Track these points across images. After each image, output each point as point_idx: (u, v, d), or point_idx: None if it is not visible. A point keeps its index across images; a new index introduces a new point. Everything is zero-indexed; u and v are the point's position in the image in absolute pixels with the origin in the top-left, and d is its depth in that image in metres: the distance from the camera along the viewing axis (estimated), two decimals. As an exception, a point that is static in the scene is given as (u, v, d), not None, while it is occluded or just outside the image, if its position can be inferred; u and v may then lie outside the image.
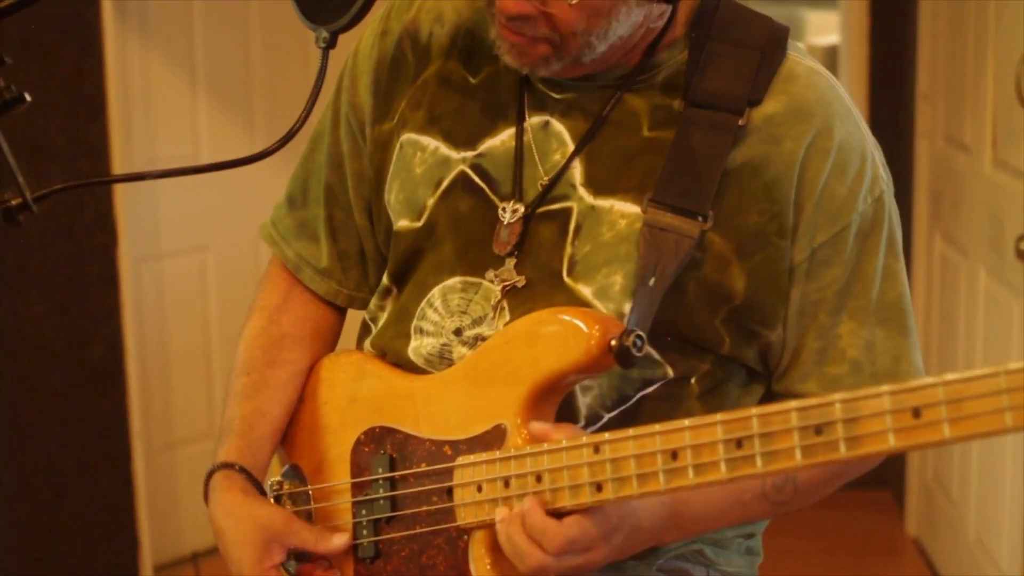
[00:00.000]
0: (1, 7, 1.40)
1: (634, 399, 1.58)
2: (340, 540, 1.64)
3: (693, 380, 1.59)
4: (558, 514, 1.44)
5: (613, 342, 1.46)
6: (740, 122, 1.54)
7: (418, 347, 1.65)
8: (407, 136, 1.69)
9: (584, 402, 1.57)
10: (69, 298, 3.92)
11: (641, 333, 1.47)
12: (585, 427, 1.57)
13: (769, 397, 1.65)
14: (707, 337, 1.57)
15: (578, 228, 1.58)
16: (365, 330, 1.76)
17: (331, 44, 1.54)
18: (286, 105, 4.57)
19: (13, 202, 1.45)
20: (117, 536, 4.12)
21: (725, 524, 1.63)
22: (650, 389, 1.58)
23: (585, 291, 1.56)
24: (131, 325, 4.08)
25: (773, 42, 1.58)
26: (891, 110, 4.84)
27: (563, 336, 1.49)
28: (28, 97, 1.42)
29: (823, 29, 7.11)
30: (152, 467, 4.34)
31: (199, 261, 4.61)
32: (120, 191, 4.03)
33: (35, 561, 3.86)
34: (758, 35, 1.58)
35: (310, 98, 1.53)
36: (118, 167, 3.95)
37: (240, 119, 4.63)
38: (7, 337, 3.74)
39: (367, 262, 1.79)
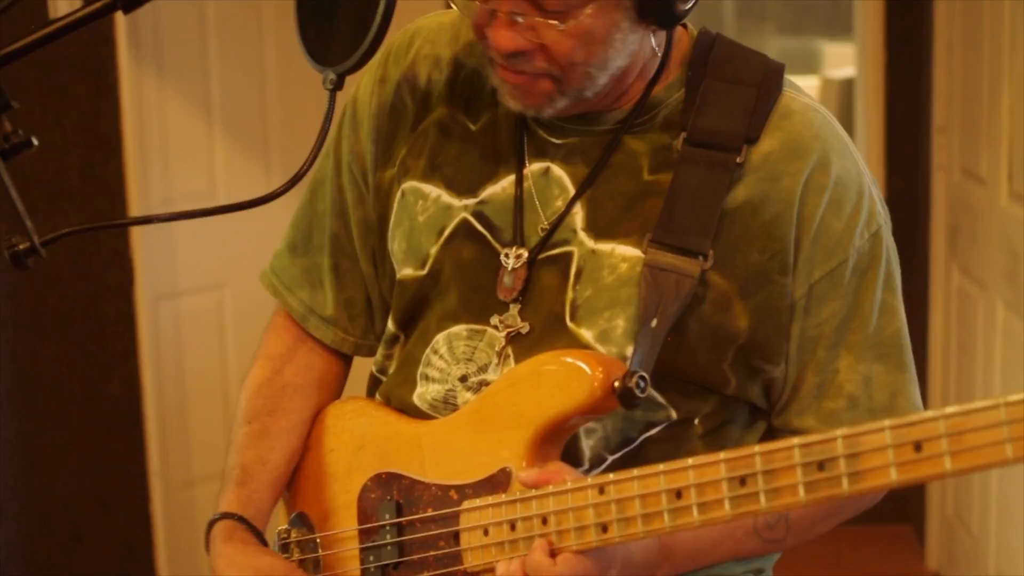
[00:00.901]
0: (8, 51, 1.41)
1: (638, 441, 1.57)
2: None
3: (696, 421, 1.59)
4: None
5: (616, 384, 1.47)
6: (738, 159, 1.54)
7: (423, 393, 1.65)
8: (409, 184, 1.69)
9: (588, 444, 1.57)
10: (86, 337, 3.93)
11: (644, 374, 1.47)
12: (589, 470, 1.57)
13: (770, 434, 1.65)
14: (712, 379, 1.57)
15: (579, 273, 1.58)
16: (375, 383, 1.76)
17: (338, 86, 1.55)
18: (302, 142, 4.53)
19: (21, 247, 1.46)
20: (136, 575, 4.12)
21: (716, 559, 1.62)
22: (653, 431, 1.58)
23: (587, 335, 1.56)
24: (148, 363, 4.08)
25: (768, 79, 1.59)
26: (908, 143, 4.84)
27: (567, 379, 1.49)
28: (36, 141, 1.43)
29: (840, 61, 7.12)
30: (170, 505, 4.33)
31: (216, 298, 4.62)
32: (136, 229, 4.03)
33: (53, 600, 3.86)
34: (753, 72, 1.59)
35: (318, 139, 1.54)
36: (134, 206, 3.96)
37: (256, 156, 4.65)
38: (24, 376, 3.75)
39: (373, 309, 1.79)
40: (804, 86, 1.66)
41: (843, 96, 6.38)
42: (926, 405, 4.68)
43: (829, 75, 6.86)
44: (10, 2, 1.40)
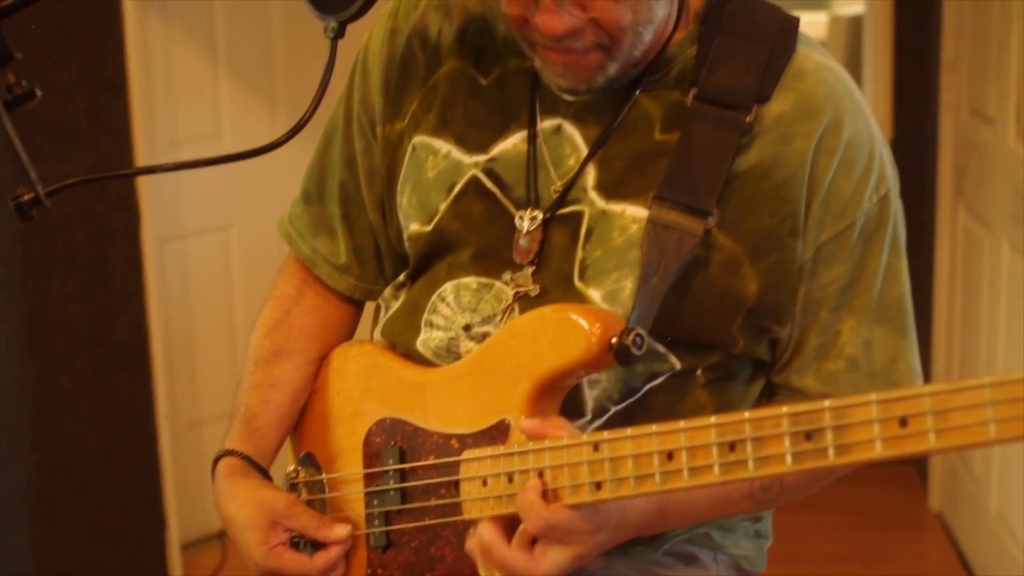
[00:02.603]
0: (9, 3, 1.41)
1: (641, 391, 1.58)
2: (341, 531, 1.66)
3: (699, 371, 1.59)
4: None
5: (614, 340, 1.47)
6: (748, 119, 1.53)
7: (427, 340, 1.66)
8: (419, 139, 1.69)
9: (591, 395, 1.57)
10: (93, 279, 3.93)
11: (641, 332, 1.47)
12: (592, 420, 1.57)
13: (769, 388, 1.66)
14: (720, 340, 1.58)
15: (589, 232, 1.58)
16: (378, 315, 1.78)
17: (340, 34, 1.54)
18: (308, 82, 4.55)
19: (25, 197, 1.46)
20: (144, 515, 4.15)
21: (709, 518, 1.64)
22: (657, 382, 1.58)
23: (595, 295, 1.56)
24: (155, 305, 4.09)
25: (783, 35, 1.57)
26: (916, 82, 4.81)
27: (565, 333, 1.49)
28: (39, 92, 1.43)
29: (848, -2, 7.07)
30: (178, 446, 4.36)
31: (222, 240, 4.63)
32: (143, 171, 4.04)
33: (63, 541, 3.89)
34: (767, 28, 1.57)
35: (319, 89, 1.53)
36: (140, 147, 3.96)
37: (262, 97, 4.64)
38: (32, 319, 3.76)
39: (382, 256, 1.80)
40: (812, 22, 1.64)
41: (851, 34, 6.34)
42: (931, 345, 4.71)
43: (837, 12, 6.81)
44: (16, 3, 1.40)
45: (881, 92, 4.87)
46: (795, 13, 1.61)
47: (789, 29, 1.57)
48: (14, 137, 1.43)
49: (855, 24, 6.14)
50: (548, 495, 1.45)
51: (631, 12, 1.47)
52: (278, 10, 4.62)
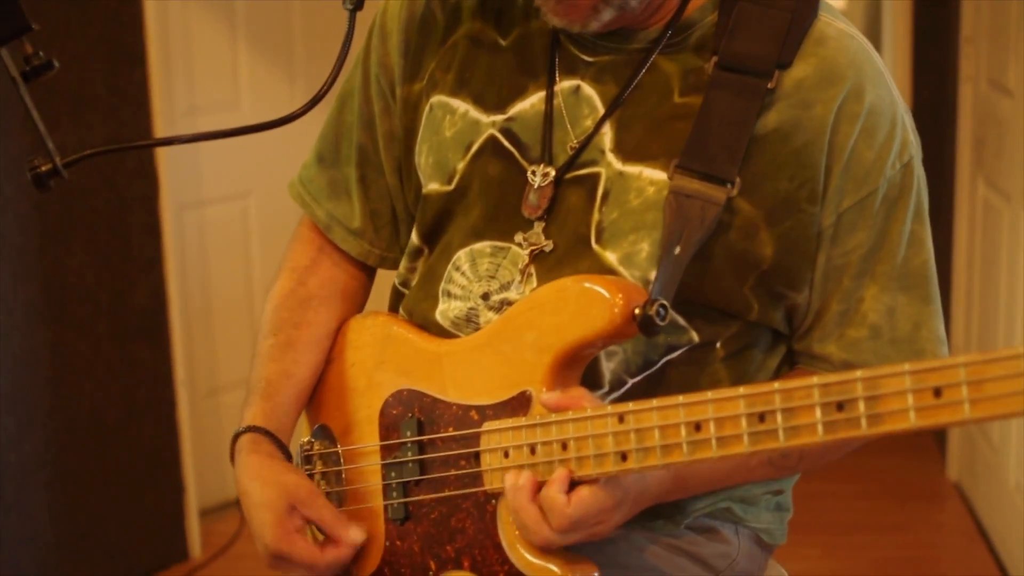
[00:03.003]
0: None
1: (658, 364, 1.58)
2: (356, 534, 1.65)
3: (718, 344, 1.59)
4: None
5: (636, 311, 1.46)
6: (769, 85, 1.52)
7: (445, 310, 1.65)
8: (437, 98, 1.68)
9: (608, 367, 1.57)
10: (112, 246, 3.94)
11: (665, 302, 1.46)
12: (609, 392, 1.57)
13: (791, 356, 1.65)
14: (735, 304, 1.57)
15: (606, 194, 1.57)
16: (397, 296, 1.77)
17: (358, 6, 1.54)
18: (326, 51, 4.55)
19: (43, 168, 1.47)
20: (163, 482, 4.17)
21: (728, 485, 1.63)
22: (675, 355, 1.58)
23: (611, 257, 1.56)
24: (174, 272, 4.10)
25: (804, 2, 1.56)
26: (935, 53, 4.79)
27: (587, 304, 1.49)
28: (56, 63, 1.43)
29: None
30: (196, 413, 4.37)
31: (241, 207, 4.63)
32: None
33: (82, 508, 3.91)
34: None
35: (337, 60, 1.53)
36: (158, 115, 3.96)
37: (280, 65, 4.63)
38: (51, 286, 3.77)
39: (398, 222, 1.80)
40: (833, -6, 1.64)
41: (871, 5, 6.31)
42: (950, 316, 4.70)
43: (857, -18, 6.78)
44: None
45: (900, 64, 4.85)
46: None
47: None
48: (32, 108, 1.43)
49: (875, -6, 6.11)
50: (571, 465, 1.45)
51: None
52: (296, -23, 4.61)
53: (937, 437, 4.83)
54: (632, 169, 1.57)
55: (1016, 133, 3.92)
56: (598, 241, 1.57)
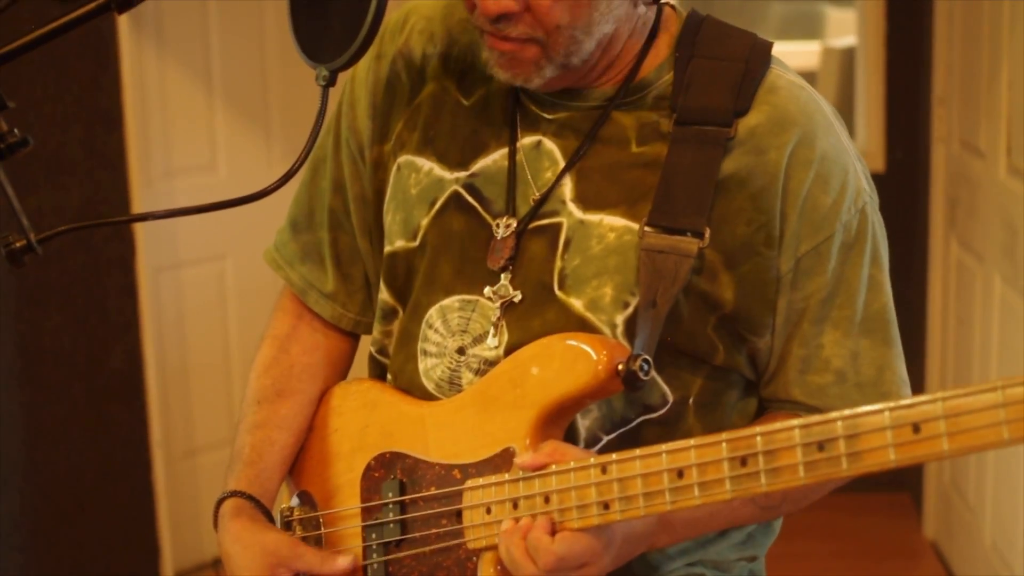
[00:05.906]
0: (2, 52, 1.42)
1: (634, 422, 1.59)
2: (345, 561, 1.66)
3: (691, 400, 1.61)
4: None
5: (620, 367, 1.48)
6: (730, 133, 1.56)
7: (427, 370, 1.66)
8: (404, 158, 1.71)
9: (584, 424, 1.58)
10: (88, 309, 3.94)
11: (648, 357, 1.48)
12: (584, 449, 1.57)
13: (761, 408, 1.67)
14: (701, 346, 1.59)
15: (568, 242, 1.60)
16: (375, 364, 1.78)
17: (331, 82, 1.55)
18: (303, 114, 4.58)
19: (17, 244, 1.46)
20: (138, 544, 4.15)
21: (714, 527, 1.64)
22: (651, 415, 1.59)
23: (576, 303, 1.58)
24: (150, 334, 4.10)
25: (756, 54, 1.60)
26: (908, 115, 4.84)
27: (572, 361, 1.50)
28: (31, 141, 1.43)
29: (842, 27, 7.09)
30: (172, 475, 4.36)
31: (217, 270, 4.63)
32: (138, 201, 4.04)
33: (57, 571, 3.89)
34: (741, 49, 1.61)
35: (311, 134, 1.53)
36: (135, 178, 3.98)
37: (257, 128, 4.65)
38: (27, 348, 3.76)
39: (371, 287, 1.81)
40: (805, 52, 1.67)
41: (844, 65, 6.37)
42: (924, 375, 4.71)
43: (830, 44, 6.84)
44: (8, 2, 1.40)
45: (873, 124, 4.89)
46: (789, 43, 1.63)
47: (763, 49, 1.61)
48: (6, 185, 1.43)
49: (847, 56, 6.17)
50: (554, 516, 1.46)
51: (568, 14, 1.51)
52: (273, 42, 4.64)
53: (913, 495, 4.83)
54: (593, 217, 1.59)
55: (988, 194, 3.96)
56: (561, 288, 1.59)
